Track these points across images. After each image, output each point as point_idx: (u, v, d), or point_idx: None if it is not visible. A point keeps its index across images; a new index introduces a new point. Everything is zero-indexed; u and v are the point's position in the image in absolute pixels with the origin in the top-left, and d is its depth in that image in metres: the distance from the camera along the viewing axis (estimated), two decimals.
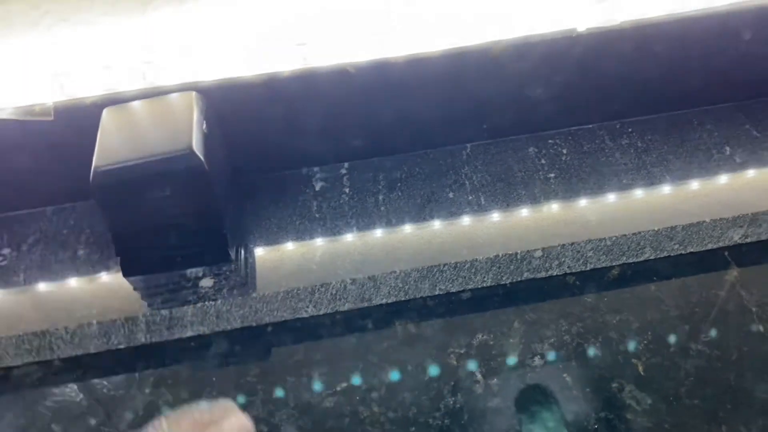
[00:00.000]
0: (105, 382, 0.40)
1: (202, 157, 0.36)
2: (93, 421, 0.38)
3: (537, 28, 0.43)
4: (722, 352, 0.38)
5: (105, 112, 0.39)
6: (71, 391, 0.39)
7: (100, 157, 0.36)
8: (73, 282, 0.41)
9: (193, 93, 0.40)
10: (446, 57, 0.43)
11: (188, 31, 0.40)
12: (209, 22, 0.40)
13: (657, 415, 0.36)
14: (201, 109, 0.39)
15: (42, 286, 0.41)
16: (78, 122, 0.40)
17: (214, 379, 0.39)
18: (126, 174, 0.36)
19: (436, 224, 0.43)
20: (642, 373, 0.38)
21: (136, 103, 0.40)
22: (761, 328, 0.39)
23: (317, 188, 0.46)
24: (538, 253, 0.41)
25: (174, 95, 0.40)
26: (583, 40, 0.44)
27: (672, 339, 0.39)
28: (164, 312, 0.39)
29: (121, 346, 0.40)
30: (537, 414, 0.36)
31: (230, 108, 0.42)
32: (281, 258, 0.41)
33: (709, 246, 0.43)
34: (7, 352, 0.39)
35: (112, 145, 0.37)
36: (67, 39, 0.39)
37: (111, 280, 0.41)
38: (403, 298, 0.42)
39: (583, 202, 0.43)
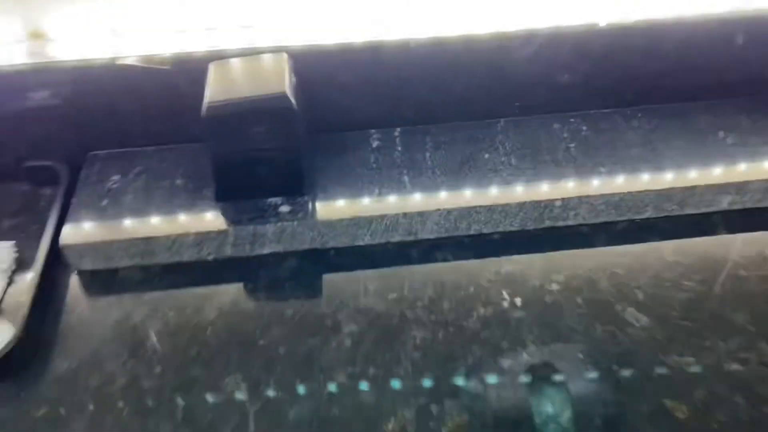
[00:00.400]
0: (195, 290, 0.48)
1: (292, 100, 0.45)
2: (178, 319, 0.46)
3: (565, 21, 0.52)
4: (708, 288, 0.46)
5: (211, 65, 0.48)
6: (155, 299, 0.47)
7: (212, 96, 0.45)
8: (173, 202, 0.50)
9: (285, 54, 0.49)
10: (490, 40, 0.52)
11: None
12: None
13: (651, 331, 0.44)
14: (290, 67, 0.48)
15: (146, 205, 0.50)
16: (188, 73, 0.50)
17: (285, 285, 0.48)
18: (231, 109, 0.45)
19: (474, 176, 0.51)
20: (641, 299, 0.46)
21: (237, 59, 0.49)
22: (743, 272, 0.47)
23: (374, 146, 0.55)
24: (558, 203, 0.49)
25: (268, 55, 0.49)
26: (604, 34, 0.53)
27: (667, 275, 0.47)
28: (249, 228, 0.48)
29: (210, 258, 0.49)
30: (545, 391, 0.42)
31: (309, 71, 0.51)
32: (345, 194, 0.50)
33: (703, 209, 0.51)
34: (117, 254, 0.48)
35: (220, 89, 0.46)
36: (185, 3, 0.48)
37: (204, 204, 0.50)
38: (443, 235, 0.50)
39: (597, 165, 0.52)
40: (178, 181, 0.51)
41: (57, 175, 0.53)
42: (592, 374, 0.41)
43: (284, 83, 0.46)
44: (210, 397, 0.41)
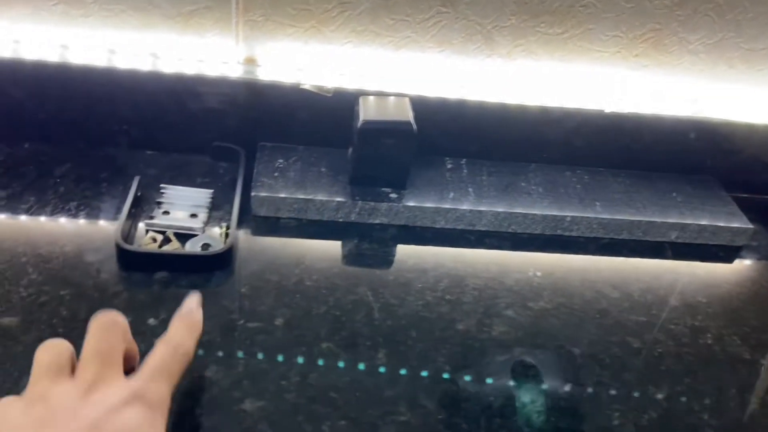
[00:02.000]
0: (321, 240, 0.73)
1: (414, 127, 0.72)
2: (322, 254, 0.71)
3: (582, 105, 0.80)
4: (654, 286, 0.73)
5: (360, 98, 0.75)
6: (306, 241, 0.72)
7: (364, 116, 0.71)
8: (320, 181, 0.75)
9: (407, 98, 0.76)
10: (534, 111, 0.80)
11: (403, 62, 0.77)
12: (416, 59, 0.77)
13: (620, 300, 0.70)
14: (410, 106, 0.75)
15: (303, 180, 0.75)
16: (343, 101, 0.76)
17: (388, 245, 0.73)
18: (376, 125, 0.71)
19: (514, 195, 0.78)
20: (614, 283, 0.72)
21: (376, 96, 0.75)
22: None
23: (448, 167, 0.81)
24: (568, 219, 0.76)
25: (397, 97, 0.76)
26: (606, 117, 0.81)
27: (630, 276, 0.74)
28: (371, 204, 0.73)
29: (340, 220, 0.74)
30: (522, 388, 0.68)
31: (418, 111, 0.78)
32: (430, 193, 0.76)
33: (658, 238, 0.79)
34: (283, 207, 0.73)
35: (369, 113, 0.72)
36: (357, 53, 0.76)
37: (341, 185, 0.75)
38: (492, 229, 0.76)
39: (593, 200, 0.79)
40: (323, 169, 0.77)
41: (236, 154, 0.78)
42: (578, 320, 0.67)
43: (409, 115, 0.72)
44: (349, 296, 0.65)
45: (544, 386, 0.59)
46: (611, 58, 0.77)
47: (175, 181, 0.76)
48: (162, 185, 0.73)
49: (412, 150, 0.73)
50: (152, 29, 0.72)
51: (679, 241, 0.79)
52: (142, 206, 0.72)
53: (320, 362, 0.58)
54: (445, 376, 0.59)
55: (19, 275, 0.61)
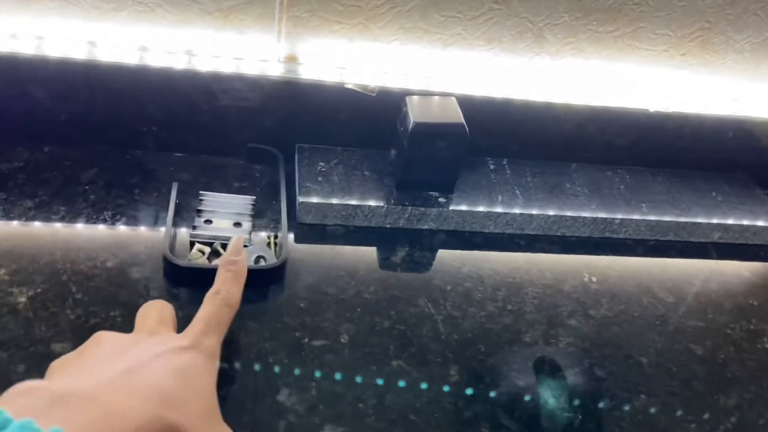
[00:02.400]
0: (371, 248, 0.70)
1: (466, 129, 0.69)
2: (373, 264, 0.68)
3: (627, 105, 0.79)
4: (700, 285, 0.73)
5: (407, 98, 0.71)
6: (356, 248, 0.69)
7: (416, 118, 0.68)
8: (366, 185, 0.72)
9: (454, 98, 0.73)
10: (578, 110, 0.78)
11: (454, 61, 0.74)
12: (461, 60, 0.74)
13: (676, 304, 0.69)
14: (458, 106, 0.72)
15: (348, 185, 0.72)
16: (386, 101, 0.73)
17: (438, 251, 0.70)
18: (428, 128, 0.68)
19: (561, 197, 0.76)
20: (668, 287, 0.71)
21: (424, 96, 0.72)
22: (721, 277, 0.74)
23: (491, 168, 0.79)
24: (617, 221, 0.75)
25: (442, 97, 0.73)
26: (649, 117, 0.80)
27: (681, 276, 0.73)
28: (421, 209, 0.71)
29: (388, 226, 0.71)
30: (548, 383, 0.66)
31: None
32: (478, 196, 0.74)
33: (702, 239, 0.78)
34: (330, 214, 0.69)
35: (419, 114, 0.69)
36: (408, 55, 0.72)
37: (387, 190, 0.72)
38: (540, 233, 0.75)
39: (639, 202, 0.78)
40: (366, 173, 0.74)
41: (272, 157, 0.74)
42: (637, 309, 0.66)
43: (460, 117, 0.70)
44: (410, 308, 0.63)
45: (618, 400, 0.58)
46: (659, 56, 0.76)
47: (210, 186, 0.72)
48: (201, 192, 0.68)
49: (463, 153, 0.71)
50: (189, 25, 0.67)
51: (721, 241, 0.79)
52: (181, 214, 0.67)
53: (394, 382, 0.56)
54: (521, 392, 0.57)
55: (63, 295, 0.57)
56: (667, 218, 0.76)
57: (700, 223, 0.77)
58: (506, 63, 0.74)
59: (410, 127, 0.68)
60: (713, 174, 0.86)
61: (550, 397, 0.57)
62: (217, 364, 0.46)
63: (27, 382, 0.37)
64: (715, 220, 0.78)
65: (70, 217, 0.65)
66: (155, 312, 0.50)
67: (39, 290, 0.57)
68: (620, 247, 0.76)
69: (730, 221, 0.78)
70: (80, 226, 0.64)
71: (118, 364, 0.41)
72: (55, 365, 0.44)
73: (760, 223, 0.79)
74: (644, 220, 0.76)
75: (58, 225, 0.64)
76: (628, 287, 0.70)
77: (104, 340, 0.44)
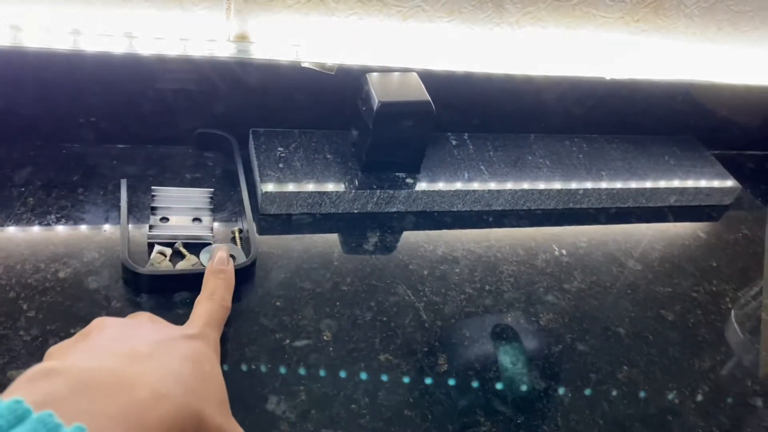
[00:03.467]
0: (342, 236, 0.67)
1: (433, 106, 0.67)
2: (348, 251, 0.65)
3: (583, 73, 0.78)
4: (666, 246, 0.74)
5: (368, 75, 0.68)
6: (325, 237, 0.66)
7: (380, 97, 0.65)
8: (330, 170, 0.68)
9: (415, 73, 0.70)
10: (533, 81, 0.77)
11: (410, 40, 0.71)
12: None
13: (644, 272, 0.70)
14: (421, 83, 0.69)
15: (311, 170, 0.68)
16: (345, 79, 0.69)
17: (410, 233, 0.68)
18: (394, 107, 0.65)
19: (525, 170, 0.75)
20: (635, 255, 0.72)
21: (384, 73, 0.69)
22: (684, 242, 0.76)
23: (453, 143, 0.77)
24: (581, 192, 0.75)
25: (403, 73, 0.70)
26: (605, 85, 0.80)
27: (645, 240, 0.74)
28: (390, 192, 0.68)
29: (355, 211, 0.68)
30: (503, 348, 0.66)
31: None
32: (444, 175, 0.72)
33: (659, 203, 0.80)
34: (295, 202, 0.66)
35: (383, 92, 0.66)
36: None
37: (353, 173, 0.69)
38: (508, 208, 0.74)
39: (599, 170, 0.78)
40: (328, 156, 0.70)
41: (224, 143, 0.69)
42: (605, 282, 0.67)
43: (425, 94, 0.67)
44: (390, 298, 0.60)
45: (604, 374, 0.58)
46: (615, 23, 0.75)
47: (161, 180, 0.66)
48: (153, 187, 0.63)
49: (430, 131, 0.68)
50: (127, 4, 0.61)
51: (677, 204, 0.81)
52: (133, 213, 0.62)
53: (384, 377, 0.54)
54: (512, 376, 0.56)
55: (12, 314, 0.51)
56: (627, 185, 0.77)
57: (657, 188, 0.78)
58: (467, 35, 0.72)
59: (375, 106, 0.65)
60: (663, 138, 0.87)
61: (539, 378, 0.56)
62: (219, 358, 0.45)
63: (43, 364, 0.33)
64: (671, 184, 0.79)
65: (8, 224, 0.58)
66: (146, 314, 0.47)
67: None
68: (584, 217, 0.77)
69: (686, 184, 0.80)
70: (21, 235, 0.58)
71: (134, 347, 0.38)
72: (55, 350, 0.40)
73: (713, 184, 0.81)
74: (606, 189, 0.76)
75: None
76: (597, 257, 0.71)
77: (107, 324, 0.41)
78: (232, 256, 0.59)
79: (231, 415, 0.42)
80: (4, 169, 0.63)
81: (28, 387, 0.31)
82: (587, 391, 0.56)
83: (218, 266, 0.51)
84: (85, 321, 0.52)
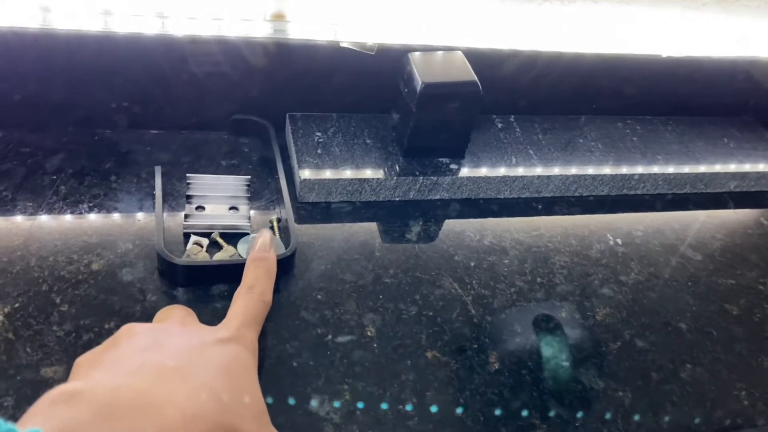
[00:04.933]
0: (383, 225, 0.64)
1: (480, 86, 0.63)
2: (390, 240, 0.62)
3: (635, 50, 0.73)
4: (730, 236, 0.69)
5: (410, 55, 0.64)
6: (366, 226, 0.63)
7: (423, 78, 0.61)
8: (370, 155, 0.65)
9: (460, 52, 0.66)
10: (587, 59, 0.72)
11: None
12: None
13: (704, 262, 0.66)
14: (467, 62, 0.65)
15: (351, 156, 0.65)
16: (386, 60, 0.65)
17: (456, 222, 0.65)
18: (439, 88, 0.62)
19: (576, 155, 0.71)
20: (693, 243, 0.68)
21: (428, 53, 0.65)
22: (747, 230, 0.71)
23: (498, 127, 0.73)
24: (636, 177, 0.71)
25: (447, 51, 0.66)
26: (661, 63, 0.75)
27: (705, 228, 0.70)
28: (433, 178, 0.64)
29: (397, 199, 0.65)
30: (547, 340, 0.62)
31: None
32: (490, 160, 0.68)
33: (718, 189, 0.75)
34: (335, 190, 0.63)
35: (427, 73, 0.62)
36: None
37: (394, 159, 0.65)
38: (558, 195, 0.70)
39: (655, 154, 0.74)
40: (368, 141, 0.67)
41: (261, 129, 0.67)
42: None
43: (472, 74, 0.63)
44: (436, 291, 0.57)
45: (665, 372, 0.55)
46: None
47: (196, 167, 0.64)
48: (188, 174, 0.60)
49: (476, 113, 0.64)
50: None
51: (737, 190, 0.76)
52: (168, 202, 0.60)
53: (431, 377, 0.50)
54: (568, 375, 0.52)
55: (45, 309, 0.49)
56: (684, 170, 0.72)
57: (716, 173, 0.73)
58: (514, 11, 0.68)
59: (418, 88, 0.61)
60: (722, 120, 0.82)
61: (597, 377, 0.53)
62: (257, 359, 0.42)
63: (64, 386, 0.31)
64: (732, 168, 0.74)
65: (40, 214, 0.56)
66: (178, 310, 0.45)
67: (16, 305, 0.49)
68: (639, 203, 0.72)
69: (747, 168, 0.74)
70: (53, 224, 0.56)
71: (162, 361, 0.35)
72: (83, 361, 0.38)
73: None
74: (662, 173, 0.71)
75: (26, 224, 0.55)
76: (654, 247, 0.67)
77: (137, 332, 0.39)
78: None
79: (270, 422, 0.39)
80: (36, 156, 0.61)
81: (49, 413, 0.29)
82: (648, 390, 0.53)
83: (259, 254, 0.48)
84: (119, 315, 0.50)
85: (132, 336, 0.38)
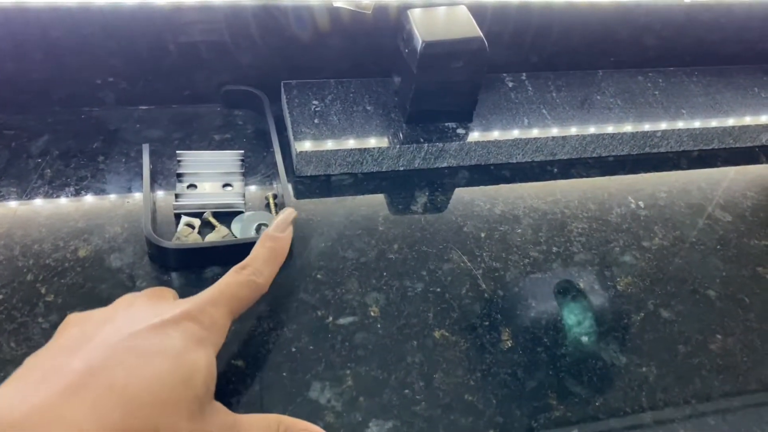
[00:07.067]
0: (387, 197, 0.60)
1: (486, 43, 0.58)
2: (395, 212, 0.58)
3: None
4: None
5: (409, 12, 0.60)
6: (368, 199, 0.59)
7: (424, 36, 0.57)
8: (371, 123, 0.61)
9: (462, 5, 0.61)
10: (601, 8, 0.67)
11: None
12: None
13: (735, 223, 0.61)
14: (471, 17, 0.60)
15: (350, 125, 0.61)
16: (384, 19, 0.61)
17: (464, 190, 0.61)
18: (441, 47, 0.57)
19: (594, 113, 0.66)
20: (722, 203, 0.63)
21: (429, 8, 0.60)
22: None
23: (509, 86, 0.68)
24: (658, 134, 0.66)
25: (449, 6, 0.61)
26: (683, 9, 0.69)
27: (735, 187, 0.65)
28: (439, 145, 0.60)
29: (401, 168, 0.61)
30: (569, 304, 0.57)
31: None
32: (501, 122, 0.64)
33: (749, 143, 0.70)
34: (334, 162, 0.59)
35: (427, 31, 0.58)
36: None
37: (397, 126, 0.61)
38: (575, 156, 0.65)
39: (678, 108, 0.68)
40: (368, 107, 0.63)
41: (254, 99, 0.63)
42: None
43: (476, 29, 0.58)
44: (443, 265, 0.54)
45: (693, 345, 0.51)
46: None
47: (187, 143, 0.60)
48: (178, 152, 0.57)
49: (483, 73, 0.60)
50: None
51: None
52: (158, 181, 0.57)
53: (440, 357, 0.47)
54: (586, 351, 0.49)
55: (30, 299, 0.47)
56: (711, 124, 0.67)
57: (746, 126, 0.68)
58: None
59: (419, 47, 0.57)
60: (751, 68, 0.76)
61: (619, 352, 0.49)
62: (219, 340, 0.38)
63: None
64: (763, 120, 0.69)
65: (25, 198, 0.54)
66: (149, 290, 0.42)
67: (0, 297, 0.47)
68: (663, 162, 0.67)
69: None
70: (38, 210, 0.53)
71: (71, 365, 0.32)
72: (29, 362, 0.35)
73: None
74: (687, 129, 0.66)
75: (10, 211, 0.53)
76: (680, 209, 0.62)
77: (71, 323, 0.37)
78: (266, 225, 0.53)
79: (218, 413, 0.36)
80: (18, 138, 0.59)
81: None
82: (675, 365, 0.49)
83: (272, 232, 0.45)
84: (107, 303, 0.47)
85: (65, 329, 0.36)
